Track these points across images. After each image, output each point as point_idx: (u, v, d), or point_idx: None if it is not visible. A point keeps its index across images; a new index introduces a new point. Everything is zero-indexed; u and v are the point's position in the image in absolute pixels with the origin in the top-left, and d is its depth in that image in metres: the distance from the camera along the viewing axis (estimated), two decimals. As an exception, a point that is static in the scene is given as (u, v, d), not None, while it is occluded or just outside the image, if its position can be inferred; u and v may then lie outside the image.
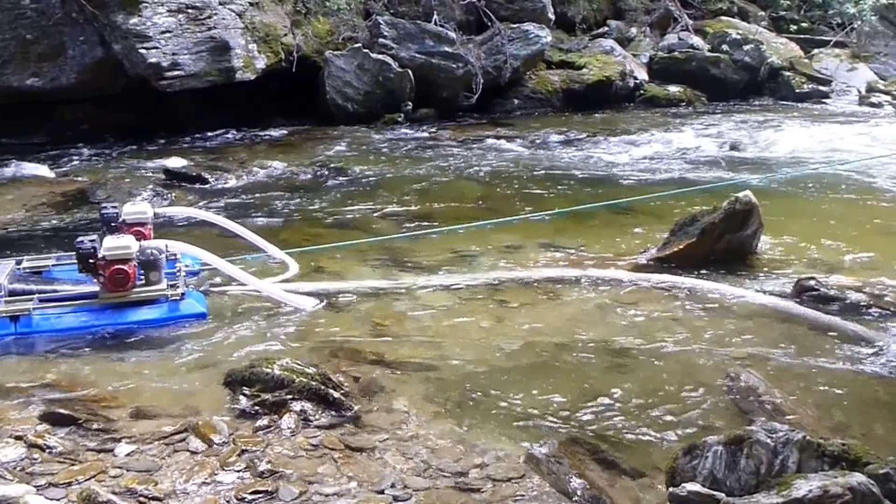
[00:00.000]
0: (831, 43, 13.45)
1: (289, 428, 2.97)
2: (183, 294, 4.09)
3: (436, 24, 10.91)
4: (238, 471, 2.72)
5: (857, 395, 3.41)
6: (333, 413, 3.07)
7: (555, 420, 3.17)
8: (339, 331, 3.97)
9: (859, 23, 13.37)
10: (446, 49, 10.67)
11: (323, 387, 3.12)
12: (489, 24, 11.35)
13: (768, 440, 2.55)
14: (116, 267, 3.92)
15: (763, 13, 14.48)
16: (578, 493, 2.66)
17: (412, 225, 5.88)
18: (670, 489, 2.54)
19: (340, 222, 6.13)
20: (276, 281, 4.50)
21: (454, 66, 10.63)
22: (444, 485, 2.70)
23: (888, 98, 11.83)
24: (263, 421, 3.02)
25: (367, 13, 11.13)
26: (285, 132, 9.85)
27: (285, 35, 10.08)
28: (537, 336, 3.95)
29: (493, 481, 2.72)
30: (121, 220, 4.43)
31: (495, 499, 2.63)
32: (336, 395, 3.11)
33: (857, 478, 2.34)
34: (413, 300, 4.41)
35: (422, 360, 3.67)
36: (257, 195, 6.99)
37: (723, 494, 2.44)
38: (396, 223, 6.02)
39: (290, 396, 3.08)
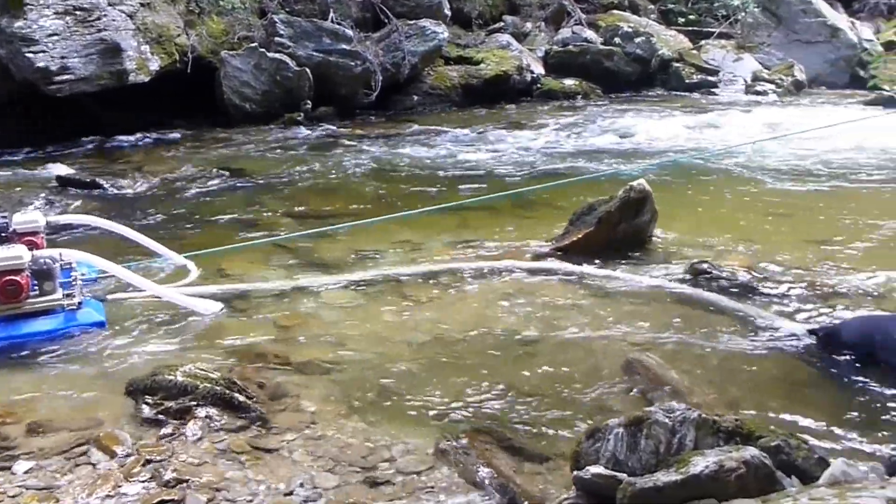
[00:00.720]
0: (715, 34, 13.95)
1: (194, 434, 2.92)
2: (80, 303, 3.97)
3: (332, 21, 10.84)
4: (143, 481, 2.66)
5: (750, 372, 3.57)
6: (240, 417, 3.04)
7: (462, 411, 3.21)
8: (243, 334, 3.92)
9: (743, 14, 13.91)
10: (344, 47, 10.61)
11: (228, 391, 3.09)
12: (386, 21, 11.34)
13: (666, 420, 2.65)
14: (8, 278, 3.78)
15: (652, 6, 14.90)
16: (486, 481, 2.72)
17: (314, 223, 5.84)
18: (574, 472, 2.62)
19: (241, 223, 6.04)
20: (177, 286, 4.42)
21: (352, 63, 10.58)
22: (353, 480, 2.71)
23: (772, 86, 12.36)
24: (168, 429, 2.96)
25: (262, 12, 10.97)
26: (183, 134, 9.61)
27: (179, 35, 9.85)
28: (442, 329, 3.99)
29: (403, 474, 2.75)
30: (11, 229, 4.27)
31: (405, 491, 2.66)
32: (242, 398, 3.08)
33: (751, 451, 2.45)
34: (317, 300, 4.39)
35: (328, 360, 3.66)
36: (155, 199, 6.83)
37: (625, 475, 2.52)
38: (298, 223, 5.97)
39: (194, 403, 3.03)
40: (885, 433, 3.03)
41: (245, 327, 4.01)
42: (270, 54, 10.16)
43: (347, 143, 9.08)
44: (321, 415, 3.17)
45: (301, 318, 4.15)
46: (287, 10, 11.01)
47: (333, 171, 7.74)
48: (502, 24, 13.41)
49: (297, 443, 2.94)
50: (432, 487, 2.70)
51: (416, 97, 11.35)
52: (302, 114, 10.22)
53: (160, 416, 3.02)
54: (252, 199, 6.75)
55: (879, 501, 1.95)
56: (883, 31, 13.57)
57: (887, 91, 10.61)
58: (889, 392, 3.34)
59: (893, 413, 3.18)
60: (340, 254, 5.13)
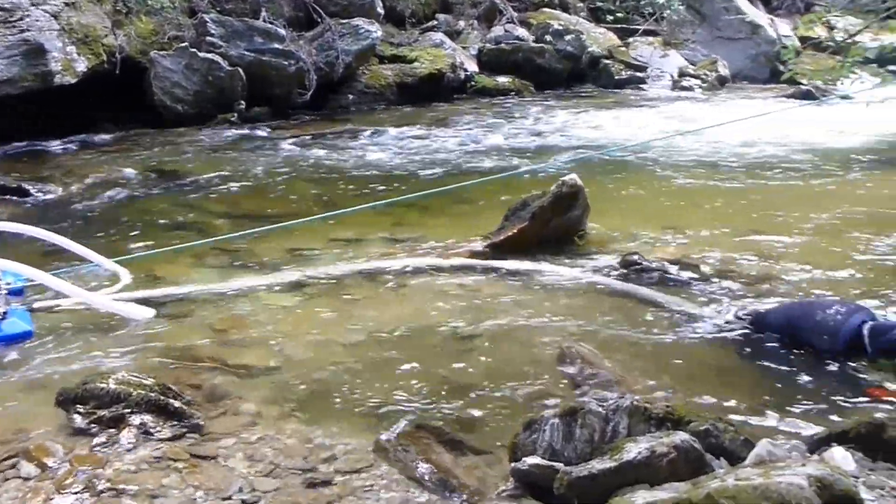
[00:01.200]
0: (640, 31, 14.21)
1: (129, 443, 2.87)
2: (5, 313, 3.87)
3: (264, 20, 10.75)
4: (76, 493, 2.61)
5: (681, 359, 3.66)
6: (175, 423, 2.99)
7: (401, 408, 3.23)
8: (178, 339, 3.87)
9: (668, 12, 14.21)
10: (277, 46, 10.53)
11: (163, 397, 3.04)
12: (319, 20, 11.29)
13: (600, 409, 2.71)
14: (-72, 290, 3.67)
15: (582, 4, 15.11)
16: (426, 476, 2.74)
17: (250, 224, 5.77)
18: (512, 464, 2.67)
19: (175, 226, 5.95)
20: (109, 292, 4.34)
21: (286, 63, 10.50)
22: (293, 483, 2.71)
23: (697, 82, 12.72)
24: (101, 438, 2.90)
25: (192, 11, 10.82)
26: (113, 137, 9.40)
27: (106, 36, 9.64)
28: (381, 327, 3.99)
29: (343, 474, 2.75)
30: (-70, 239, 4.15)
31: (345, 491, 2.66)
32: (177, 404, 3.04)
33: (681, 436, 2.52)
34: (254, 301, 4.36)
35: (266, 362, 3.64)
36: (85, 204, 6.67)
37: (561, 464, 2.57)
38: (234, 224, 5.91)
39: (127, 410, 2.98)
40: (807, 412, 3.14)
41: (180, 332, 3.96)
42: (202, 54, 10.02)
43: (282, 143, 9.01)
44: (259, 417, 3.15)
45: (237, 321, 4.11)
46: (218, 9, 10.87)
47: (268, 172, 7.67)
48: (435, 22, 13.45)
49: (236, 448, 2.91)
50: (372, 486, 2.71)
51: (351, 96, 11.32)
52: (235, 114, 10.11)
53: (93, 426, 2.95)
54: (186, 202, 6.66)
55: (800, 478, 2.02)
56: (799, 27, 13.99)
57: (804, 85, 10.96)
58: (811, 373, 3.47)
59: (815, 393, 3.30)
60: (277, 254, 5.09)
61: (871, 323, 3.50)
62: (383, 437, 2.93)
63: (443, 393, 3.35)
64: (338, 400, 3.31)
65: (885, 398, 3.24)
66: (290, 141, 9.09)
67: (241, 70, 10.17)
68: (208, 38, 10.27)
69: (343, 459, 2.85)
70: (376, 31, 11.47)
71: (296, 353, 3.74)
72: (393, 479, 2.74)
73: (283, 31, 10.70)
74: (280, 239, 5.34)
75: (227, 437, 2.98)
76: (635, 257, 4.62)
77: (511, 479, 2.67)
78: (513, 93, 12.09)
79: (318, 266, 4.85)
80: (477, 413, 3.21)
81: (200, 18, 10.50)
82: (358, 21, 11.36)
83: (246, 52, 10.34)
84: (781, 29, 13.89)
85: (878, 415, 2.82)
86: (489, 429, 3.10)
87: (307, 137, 9.24)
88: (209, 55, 10.06)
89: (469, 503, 2.63)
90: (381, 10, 12.23)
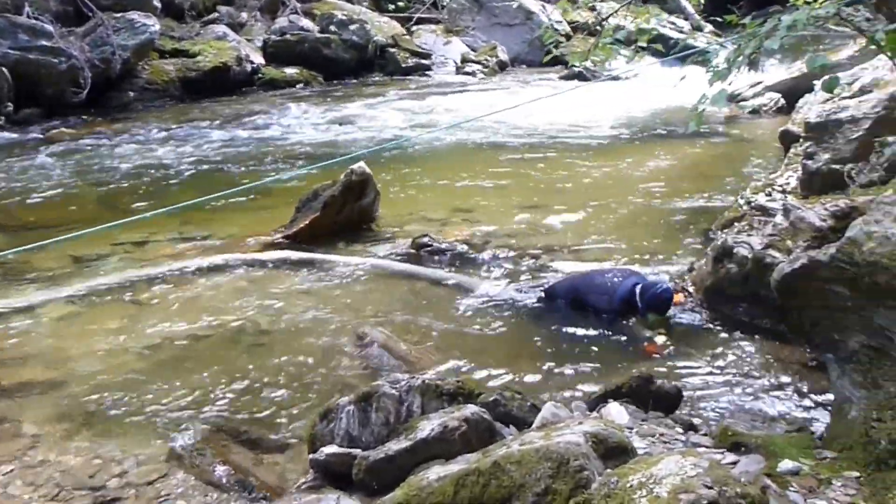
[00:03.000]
0: (414, 20, 14.45)
1: None
2: None
3: (28, 16, 10.00)
4: None
5: (475, 335, 3.79)
6: (-59, 457, 2.76)
7: (197, 412, 3.15)
8: (-58, 365, 3.56)
9: (448, 0, 14.54)
10: (44, 43, 9.83)
11: (-76, 430, 2.79)
12: (90, 14, 10.63)
13: (393, 391, 2.76)
14: None
15: (364, -7, 15.14)
16: (224, 479, 2.68)
17: (26, 235, 5.35)
18: (310, 456, 2.67)
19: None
20: None
21: (55, 60, 9.82)
22: None
23: (479, 67, 13.19)
24: None
25: (-59, 8, 9.88)
26: None
27: None
28: (173, 330, 3.87)
29: (135, 487, 2.66)
30: None
31: (138, 504, 2.57)
32: (-58, 436, 2.80)
33: (471, 409, 2.62)
34: (31, 317, 4.07)
35: (47, 379, 3.43)
36: None
37: (359, 450, 2.60)
38: (7, 236, 5.47)
39: None
40: (590, 372, 3.36)
41: (-56, 357, 3.64)
42: (-43, 55, 9.19)
43: (57, 145, 8.40)
44: (41, 438, 2.97)
45: (12, 339, 3.83)
46: (-27, 5, 9.98)
47: (43, 177, 7.13)
48: (217, 14, 13.04)
49: (14, 474, 2.74)
50: (167, 495, 2.63)
51: (132, 93, 10.77)
52: (3, 117, 9.35)
53: None
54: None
55: (577, 436, 2.16)
56: (567, 11, 14.66)
57: (576, 67, 11.59)
58: (592, 336, 3.72)
59: (596, 354, 3.53)
60: (56, 264, 4.78)
61: (641, 283, 3.81)
62: (177, 443, 2.85)
63: (239, 392, 3.29)
64: (129, 410, 3.18)
65: (655, 353, 3.53)
66: (66, 143, 8.48)
67: (5, 70, 9.41)
68: (-36, 37, 9.43)
69: (134, 472, 2.74)
70: (154, 24, 10.97)
71: (80, 366, 3.55)
72: (189, 486, 2.67)
73: (50, 27, 9.99)
74: (59, 247, 4.99)
75: (4, 463, 2.79)
76: (426, 240, 4.73)
77: (311, 471, 2.67)
78: (301, 84, 11.96)
79: (101, 273, 4.61)
80: (275, 408, 3.18)
81: (-47, 15, 9.62)
82: (133, 14, 10.82)
83: (10, 51, 9.58)
84: (553, 15, 14.56)
85: (647, 368, 3.05)
86: (288, 423, 3.08)
87: (84, 138, 8.67)
88: (-33, 55, 9.24)
89: (269, 501, 2.61)
90: (157, 3, 11.70)
